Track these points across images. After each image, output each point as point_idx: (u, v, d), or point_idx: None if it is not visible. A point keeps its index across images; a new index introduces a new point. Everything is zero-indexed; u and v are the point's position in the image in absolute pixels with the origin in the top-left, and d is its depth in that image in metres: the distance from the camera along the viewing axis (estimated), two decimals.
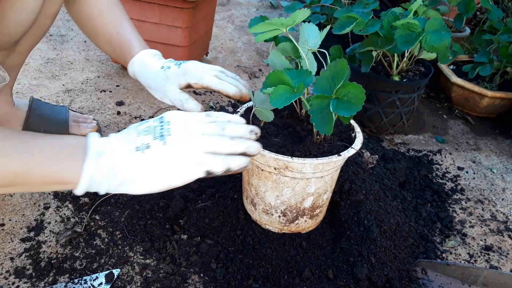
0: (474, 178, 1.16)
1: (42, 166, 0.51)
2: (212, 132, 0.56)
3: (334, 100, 0.63)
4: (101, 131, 1.13)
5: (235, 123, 0.59)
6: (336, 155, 0.70)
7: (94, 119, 1.12)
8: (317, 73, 0.75)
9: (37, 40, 0.89)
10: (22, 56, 0.90)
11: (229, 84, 0.74)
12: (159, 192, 0.93)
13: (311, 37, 0.72)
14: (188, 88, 0.77)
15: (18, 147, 0.50)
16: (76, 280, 0.73)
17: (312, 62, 0.73)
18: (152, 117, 1.24)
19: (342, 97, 0.63)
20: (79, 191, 0.53)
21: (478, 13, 1.84)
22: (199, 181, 0.96)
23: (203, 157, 0.54)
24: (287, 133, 0.78)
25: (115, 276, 0.74)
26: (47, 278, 0.73)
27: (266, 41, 0.77)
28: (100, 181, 0.52)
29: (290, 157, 0.68)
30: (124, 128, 1.20)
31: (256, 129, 0.60)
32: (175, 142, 0.53)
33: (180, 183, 0.54)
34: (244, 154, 0.56)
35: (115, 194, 0.93)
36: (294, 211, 0.78)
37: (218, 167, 0.54)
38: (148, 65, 0.80)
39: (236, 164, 0.55)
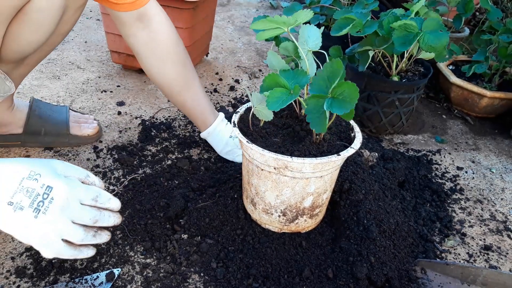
0: (473, 178, 1.16)
1: None
2: (83, 220, 0.60)
3: (329, 99, 0.64)
4: (101, 131, 1.13)
5: (108, 214, 0.64)
6: (336, 154, 0.70)
7: (94, 119, 1.13)
8: None
9: (45, 55, 0.90)
10: (30, 68, 0.91)
11: None
12: (159, 195, 0.93)
13: (312, 38, 0.72)
14: None
15: None
16: (76, 280, 0.73)
17: (311, 62, 0.73)
18: (153, 117, 1.25)
19: (337, 96, 0.64)
20: None
21: (477, 13, 1.85)
22: (199, 180, 0.97)
23: (58, 245, 0.58)
24: (286, 133, 0.78)
25: (116, 276, 0.75)
26: (47, 278, 0.74)
27: (267, 40, 0.77)
28: None
29: (289, 156, 0.68)
30: (124, 129, 1.20)
31: (117, 219, 0.65)
32: (45, 222, 0.56)
33: (39, 250, 0.57)
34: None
35: (115, 194, 0.93)
36: (294, 210, 0.78)
37: (67, 256, 0.59)
38: (220, 134, 1.03)
39: (80, 257, 0.62)
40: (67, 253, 0.59)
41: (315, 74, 0.67)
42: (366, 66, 1.12)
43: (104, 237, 0.64)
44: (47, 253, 0.58)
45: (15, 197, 0.54)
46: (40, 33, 0.75)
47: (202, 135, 1.04)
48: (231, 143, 1.03)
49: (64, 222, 0.57)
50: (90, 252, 0.63)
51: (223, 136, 1.03)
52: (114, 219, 0.65)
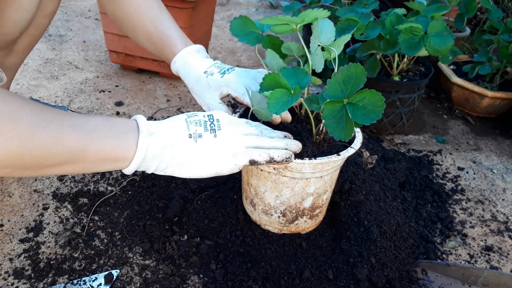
0: (474, 178, 1.16)
1: (98, 143, 0.53)
2: (252, 133, 0.64)
3: (350, 106, 0.61)
4: None
5: (270, 129, 0.68)
6: (335, 154, 0.69)
7: None
8: (326, 72, 0.73)
9: (35, 40, 0.89)
10: (21, 56, 0.90)
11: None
12: (158, 196, 0.92)
13: (325, 32, 0.69)
14: (229, 96, 0.79)
15: (74, 125, 0.52)
16: (75, 281, 0.73)
17: (320, 59, 0.71)
18: (152, 117, 1.24)
19: (356, 103, 0.61)
20: (131, 168, 0.56)
21: (478, 13, 1.84)
22: (198, 181, 0.96)
23: (247, 150, 0.62)
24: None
25: (114, 277, 0.74)
26: (46, 279, 0.73)
27: (276, 33, 0.75)
28: (152, 159, 0.56)
29: None
30: None
31: (289, 134, 0.68)
32: (224, 137, 0.60)
33: (226, 171, 0.61)
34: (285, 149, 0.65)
35: (114, 195, 0.92)
36: (294, 211, 0.78)
37: (261, 157, 0.62)
38: (191, 66, 0.79)
39: (277, 154, 0.62)
40: (255, 152, 0.62)
41: (331, 78, 0.64)
42: (377, 72, 1.08)
43: (292, 143, 0.65)
44: (240, 160, 0.61)
45: (190, 129, 0.59)
46: (22, 10, 0.75)
47: (173, 66, 0.83)
48: (203, 81, 0.78)
49: (237, 132, 0.62)
50: (284, 151, 0.64)
51: (195, 70, 0.79)
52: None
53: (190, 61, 0.80)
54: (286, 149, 0.64)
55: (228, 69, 0.78)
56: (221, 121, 0.62)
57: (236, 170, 0.62)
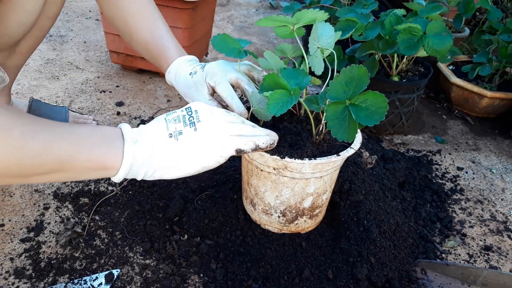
0: (473, 178, 1.16)
1: (85, 152, 0.53)
2: (234, 121, 0.62)
3: (353, 107, 0.61)
4: None
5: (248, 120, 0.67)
6: (335, 155, 0.70)
7: (94, 120, 1.13)
8: (324, 73, 0.74)
9: (37, 42, 0.89)
10: (23, 57, 0.90)
11: (240, 104, 0.72)
12: (158, 196, 0.93)
13: (325, 36, 0.69)
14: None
15: (62, 134, 0.52)
16: (76, 281, 0.73)
17: (320, 61, 0.72)
18: (152, 117, 1.25)
19: (359, 104, 0.61)
20: (119, 176, 0.56)
21: (477, 13, 1.85)
22: (198, 181, 0.96)
23: (231, 139, 0.60)
24: (285, 132, 0.78)
25: (115, 277, 0.74)
26: (47, 279, 0.73)
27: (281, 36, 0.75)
28: (139, 166, 0.56)
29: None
30: None
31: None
32: (205, 128, 0.59)
33: (213, 164, 0.60)
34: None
35: (115, 195, 0.93)
36: (294, 211, 0.78)
37: (247, 145, 0.61)
38: (180, 73, 0.79)
39: (262, 141, 0.62)
40: (241, 141, 0.60)
41: (333, 79, 0.65)
42: (375, 72, 1.08)
43: (272, 133, 0.65)
44: (226, 151, 0.59)
45: (170, 128, 0.58)
46: (26, 12, 0.75)
47: (167, 77, 0.83)
48: (190, 82, 0.77)
49: (220, 120, 0.60)
50: (268, 138, 0.63)
51: (182, 75, 0.78)
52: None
53: (180, 69, 0.79)
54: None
55: (209, 62, 0.77)
56: (199, 111, 0.60)
57: (222, 161, 0.60)
